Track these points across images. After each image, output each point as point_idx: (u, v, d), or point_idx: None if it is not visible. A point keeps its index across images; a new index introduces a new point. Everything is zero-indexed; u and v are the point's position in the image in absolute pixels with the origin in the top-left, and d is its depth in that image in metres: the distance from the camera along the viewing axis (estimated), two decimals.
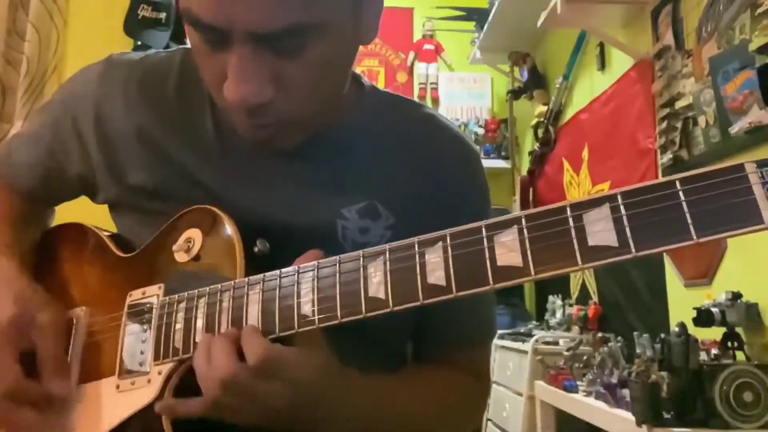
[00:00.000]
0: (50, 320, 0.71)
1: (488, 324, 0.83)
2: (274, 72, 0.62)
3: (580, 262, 0.47)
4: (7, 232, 0.80)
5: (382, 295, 0.55)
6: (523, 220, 0.50)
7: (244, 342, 0.59)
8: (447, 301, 0.53)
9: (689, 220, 0.44)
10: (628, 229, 0.46)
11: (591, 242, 0.47)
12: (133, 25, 2.93)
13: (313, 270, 0.60)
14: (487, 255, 0.51)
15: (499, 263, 0.50)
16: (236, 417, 0.60)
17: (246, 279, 0.63)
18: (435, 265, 0.53)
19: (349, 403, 0.64)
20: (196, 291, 0.66)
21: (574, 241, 0.47)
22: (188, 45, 0.71)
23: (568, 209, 0.48)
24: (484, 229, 0.52)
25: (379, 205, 0.74)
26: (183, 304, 0.66)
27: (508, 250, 0.50)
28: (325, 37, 0.62)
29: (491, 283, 0.50)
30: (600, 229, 0.47)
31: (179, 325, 0.66)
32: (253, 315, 0.61)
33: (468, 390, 0.80)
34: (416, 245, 0.55)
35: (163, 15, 2.94)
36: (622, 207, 0.46)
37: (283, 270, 0.62)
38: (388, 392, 0.70)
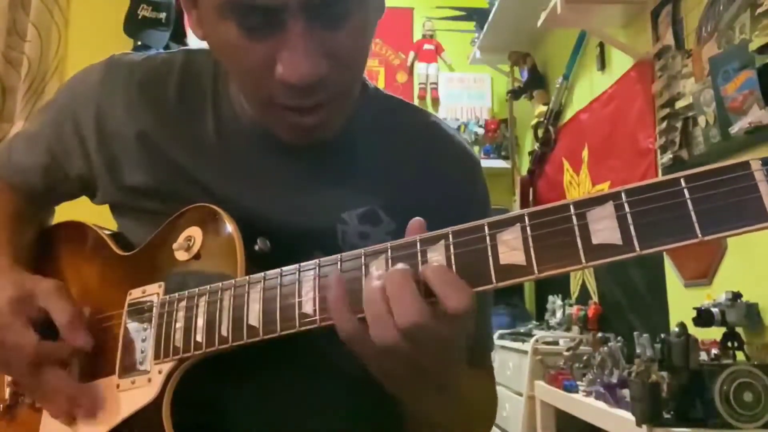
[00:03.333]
0: (53, 286, 0.71)
1: (484, 342, 0.81)
2: (325, 46, 0.62)
3: (583, 261, 0.47)
4: (3, 230, 0.80)
5: None
6: (526, 218, 0.50)
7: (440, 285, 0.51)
8: None
9: (694, 218, 0.44)
10: (632, 228, 0.45)
11: (595, 240, 0.47)
12: (133, 25, 2.93)
13: (315, 268, 0.59)
14: (489, 253, 0.51)
15: (502, 262, 0.50)
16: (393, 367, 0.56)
17: (247, 278, 0.63)
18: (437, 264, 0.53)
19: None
20: (197, 290, 0.66)
21: (578, 239, 0.47)
22: (189, 46, 0.70)
23: (571, 207, 0.48)
24: (486, 227, 0.51)
25: (380, 211, 0.73)
26: (183, 303, 0.66)
27: (511, 248, 0.50)
28: (363, 3, 0.64)
29: (494, 281, 0.50)
30: (604, 228, 0.46)
31: (180, 324, 0.65)
32: (254, 314, 0.61)
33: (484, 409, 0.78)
34: (418, 243, 0.54)
35: (163, 15, 2.93)
36: (626, 205, 0.46)
37: (284, 268, 0.61)
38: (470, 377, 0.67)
